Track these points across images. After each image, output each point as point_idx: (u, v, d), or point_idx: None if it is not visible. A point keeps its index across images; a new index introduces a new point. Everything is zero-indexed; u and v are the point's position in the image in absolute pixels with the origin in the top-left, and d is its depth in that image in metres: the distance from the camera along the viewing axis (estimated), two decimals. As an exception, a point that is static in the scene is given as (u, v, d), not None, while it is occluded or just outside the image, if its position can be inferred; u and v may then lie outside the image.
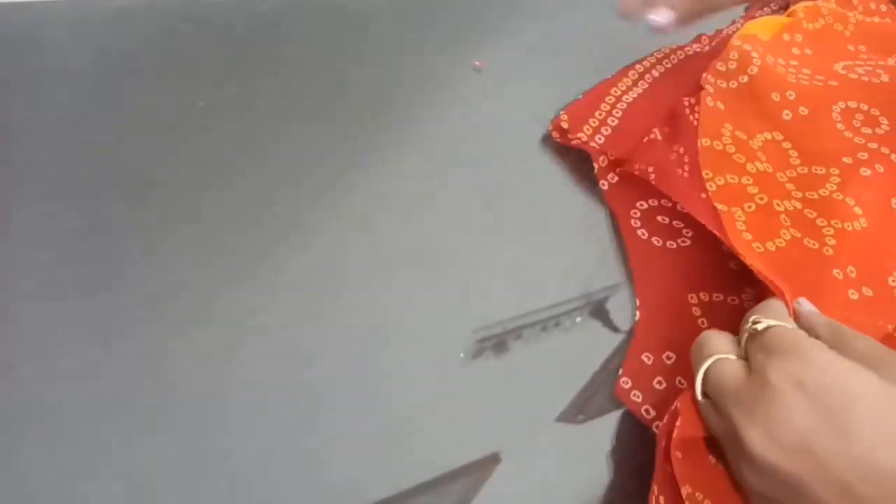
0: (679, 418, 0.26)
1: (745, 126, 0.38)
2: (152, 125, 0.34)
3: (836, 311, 0.29)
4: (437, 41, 0.42)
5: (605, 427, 0.29)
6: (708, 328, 0.32)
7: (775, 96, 0.39)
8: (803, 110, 0.39)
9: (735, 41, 0.41)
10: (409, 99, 0.38)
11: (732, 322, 0.32)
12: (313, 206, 0.33)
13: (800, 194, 0.35)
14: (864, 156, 0.36)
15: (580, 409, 0.29)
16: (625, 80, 0.41)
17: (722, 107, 0.38)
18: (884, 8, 0.47)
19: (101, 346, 0.28)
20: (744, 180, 0.35)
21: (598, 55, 0.42)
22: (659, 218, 0.36)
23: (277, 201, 0.33)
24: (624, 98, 0.40)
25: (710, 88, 0.39)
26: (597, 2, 0.45)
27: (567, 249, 0.34)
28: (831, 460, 0.22)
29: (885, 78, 0.40)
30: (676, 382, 0.31)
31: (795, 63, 0.42)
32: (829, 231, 0.33)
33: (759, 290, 0.31)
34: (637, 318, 0.33)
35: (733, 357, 0.27)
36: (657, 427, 0.29)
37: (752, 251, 0.32)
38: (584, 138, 0.37)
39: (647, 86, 0.41)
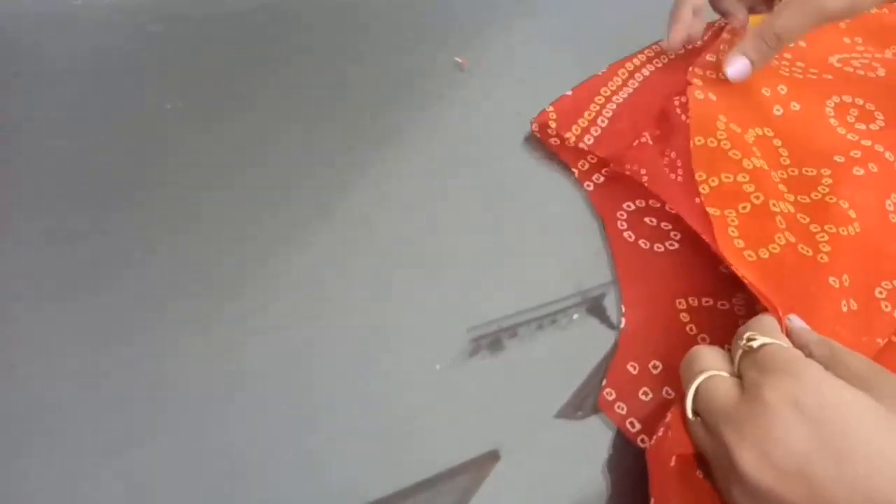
0: (664, 431, 0.26)
1: (738, 118, 0.36)
2: (152, 125, 0.34)
3: (827, 325, 0.29)
4: (437, 40, 0.42)
5: (604, 423, 0.29)
6: (697, 335, 0.32)
7: (766, 91, 0.38)
8: (795, 106, 0.37)
9: (726, 35, 0.40)
10: (408, 99, 0.38)
11: (722, 328, 0.31)
12: (313, 206, 0.33)
13: (791, 197, 0.34)
14: (857, 154, 0.35)
15: (578, 406, 0.29)
16: (615, 78, 0.40)
17: (714, 97, 0.37)
18: None
19: (101, 346, 0.28)
20: (740, 178, 0.34)
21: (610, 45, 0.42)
22: (646, 219, 0.35)
23: (277, 201, 0.33)
24: (614, 98, 0.39)
25: (698, 81, 0.37)
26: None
27: (562, 247, 0.34)
28: (826, 486, 0.21)
29: (881, 72, 0.39)
30: (664, 393, 0.29)
31: (789, 56, 0.41)
32: (823, 237, 0.32)
33: (750, 295, 0.30)
34: (623, 325, 0.32)
35: (725, 374, 0.26)
36: (642, 441, 0.28)
37: (744, 261, 0.31)
38: (573, 139, 0.37)
39: (637, 84, 0.40)
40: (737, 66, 0.36)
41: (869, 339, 0.30)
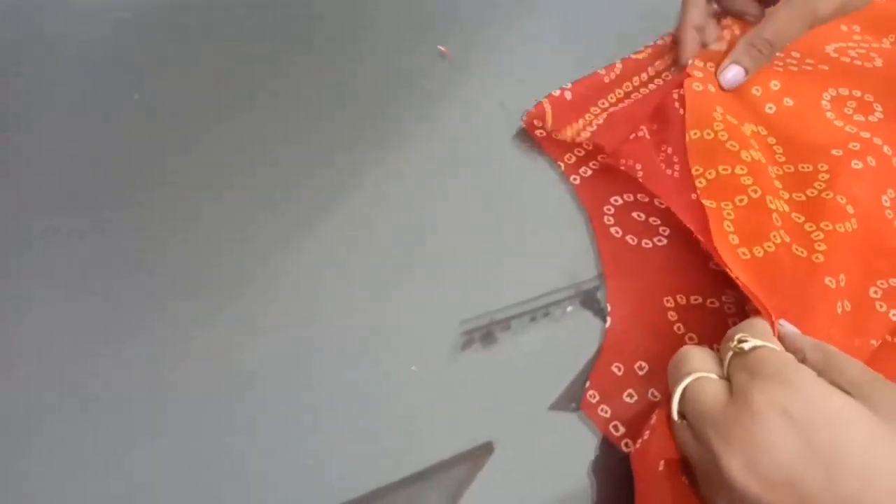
0: (650, 434, 0.25)
1: (735, 111, 0.36)
2: (152, 125, 0.34)
3: (822, 328, 0.28)
4: (437, 39, 0.41)
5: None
6: (685, 334, 0.31)
7: (756, 91, 0.37)
8: (788, 102, 0.36)
9: (727, 20, 0.39)
10: (408, 99, 0.38)
11: (711, 327, 0.30)
12: (313, 206, 0.33)
13: (786, 195, 0.33)
14: (856, 146, 0.34)
15: (572, 398, 0.29)
16: (618, 90, 0.39)
17: (713, 89, 0.36)
18: None
19: (101, 346, 0.28)
20: (738, 170, 0.33)
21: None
22: (634, 214, 0.34)
23: (277, 201, 0.33)
24: (611, 110, 0.38)
25: (697, 73, 0.36)
26: None
27: (557, 239, 0.34)
28: (815, 496, 0.21)
29: (878, 62, 0.38)
30: (649, 395, 0.29)
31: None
32: (818, 236, 0.31)
33: (740, 293, 0.29)
34: (608, 324, 0.31)
35: (714, 376, 0.25)
36: (626, 445, 0.28)
37: (738, 260, 0.30)
38: (568, 138, 0.36)
39: (640, 97, 0.39)
40: (730, 75, 0.36)
41: (862, 341, 0.29)
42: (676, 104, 0.36)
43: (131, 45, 0.37)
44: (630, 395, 0.29)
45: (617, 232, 0.34)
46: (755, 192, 0.32)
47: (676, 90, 0.37)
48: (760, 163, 0.33)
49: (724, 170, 0.33)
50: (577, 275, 0.33)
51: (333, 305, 0.30)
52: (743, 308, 0.31)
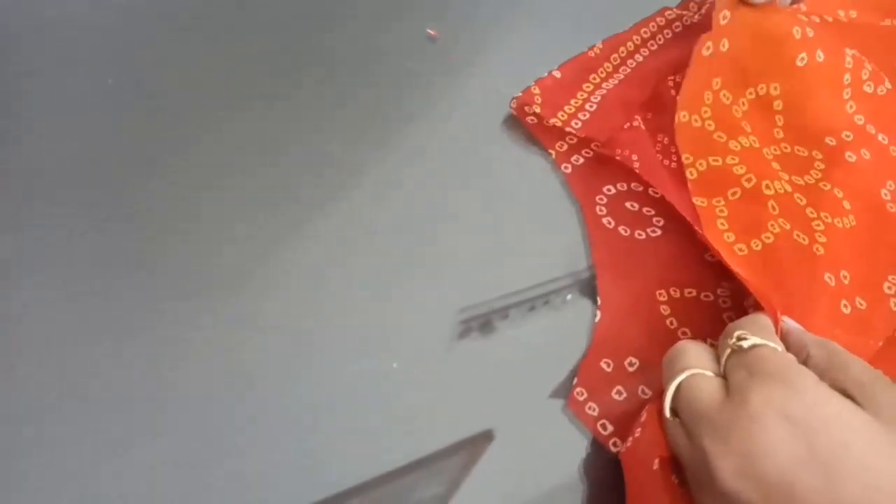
0: (642, 431, 0.25)
1: (740, 78, 0.33)
2: (152, 125, 0.34)
3: (825, 327, 0.27)
4: (423, 18, 0.41)
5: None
6: (677, 329, 0.30)
7: (797, 32, 0.34)
8: (820, 56, 0.34)
9: None
10: (408, 99, 0.38)
11: (705, 322, 0.30)
12: (312, 206, 0.33)
13: (786, 176, 0.32)
14: (848, 136, 0.32)
15: (573, 386, 0.29)
16: (605, 64, 0.38)
17: (726, 47, 0.33)
18: None
19: (101, 345, 0.28)
20: (729, 160, 0.31)
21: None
22: (628, 204, 0.33)
23: (277, 201, 0.33)
24: (604, 85, 0.37)
25: (726, 13, 0.33)
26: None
27: (555, 228, 0.33)
28: (811, 501, 0.20)
29: (886, 21, 0.37)
30: (639, 392, 0.28)
31: (804, 7, 0.37)
32: (818, 225, 0.30)
33: (736, 285, 0.28)
34: (598, 318, 0.30)
35: (710, 374, 0.24)
36: (614, 444, 0.27)
37: (736, 256, 0.29)
38: (560, 123, 0.34)
39: (629, 71, 0.37)
40: None
41: (866, 340, 0.28)
42: (672, 91, 0.35)
43: (131, 44, 0.37)
44: (619, 393, 0.28)
45: (609, 223, 0.33)
46: (749, 180, 0.31)
47: (672, 77, 0.36)
48: (753, 148, 0.32)
49: (714, 161, 0.32)
50: (576, 263, 0.32)
51: (333, 305, 0.30)
52: (739, 302, 0.30)
